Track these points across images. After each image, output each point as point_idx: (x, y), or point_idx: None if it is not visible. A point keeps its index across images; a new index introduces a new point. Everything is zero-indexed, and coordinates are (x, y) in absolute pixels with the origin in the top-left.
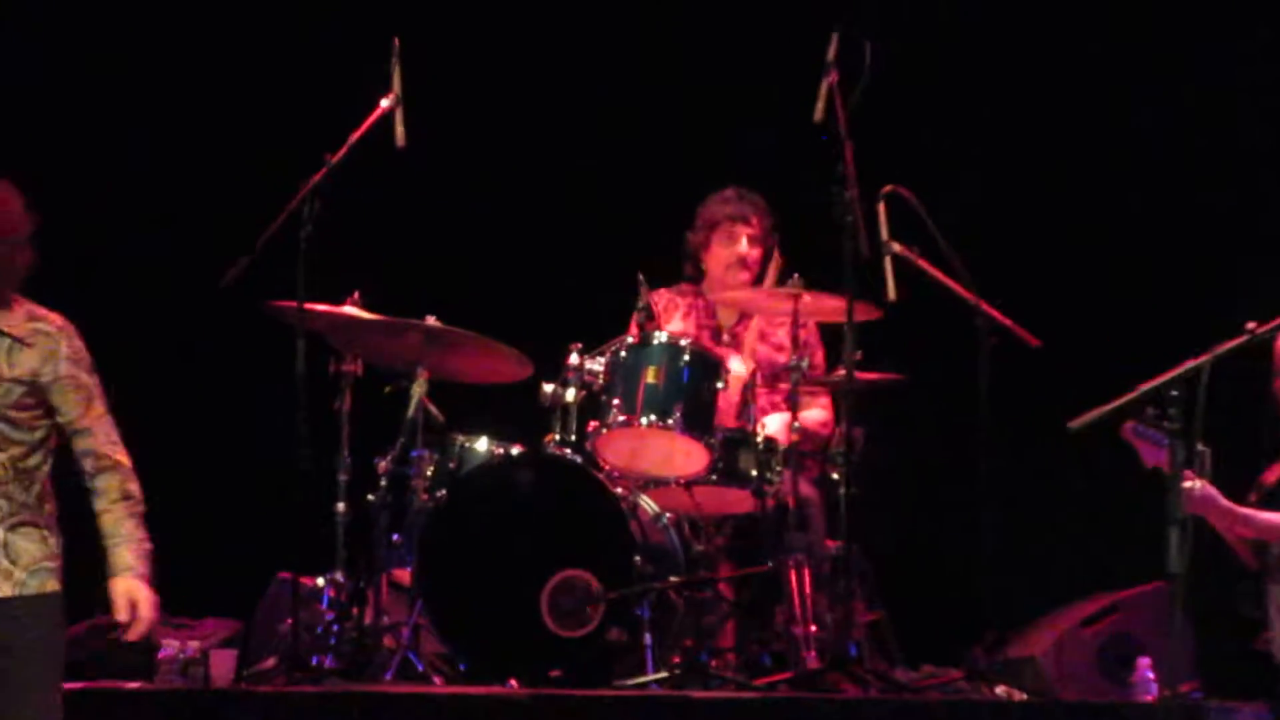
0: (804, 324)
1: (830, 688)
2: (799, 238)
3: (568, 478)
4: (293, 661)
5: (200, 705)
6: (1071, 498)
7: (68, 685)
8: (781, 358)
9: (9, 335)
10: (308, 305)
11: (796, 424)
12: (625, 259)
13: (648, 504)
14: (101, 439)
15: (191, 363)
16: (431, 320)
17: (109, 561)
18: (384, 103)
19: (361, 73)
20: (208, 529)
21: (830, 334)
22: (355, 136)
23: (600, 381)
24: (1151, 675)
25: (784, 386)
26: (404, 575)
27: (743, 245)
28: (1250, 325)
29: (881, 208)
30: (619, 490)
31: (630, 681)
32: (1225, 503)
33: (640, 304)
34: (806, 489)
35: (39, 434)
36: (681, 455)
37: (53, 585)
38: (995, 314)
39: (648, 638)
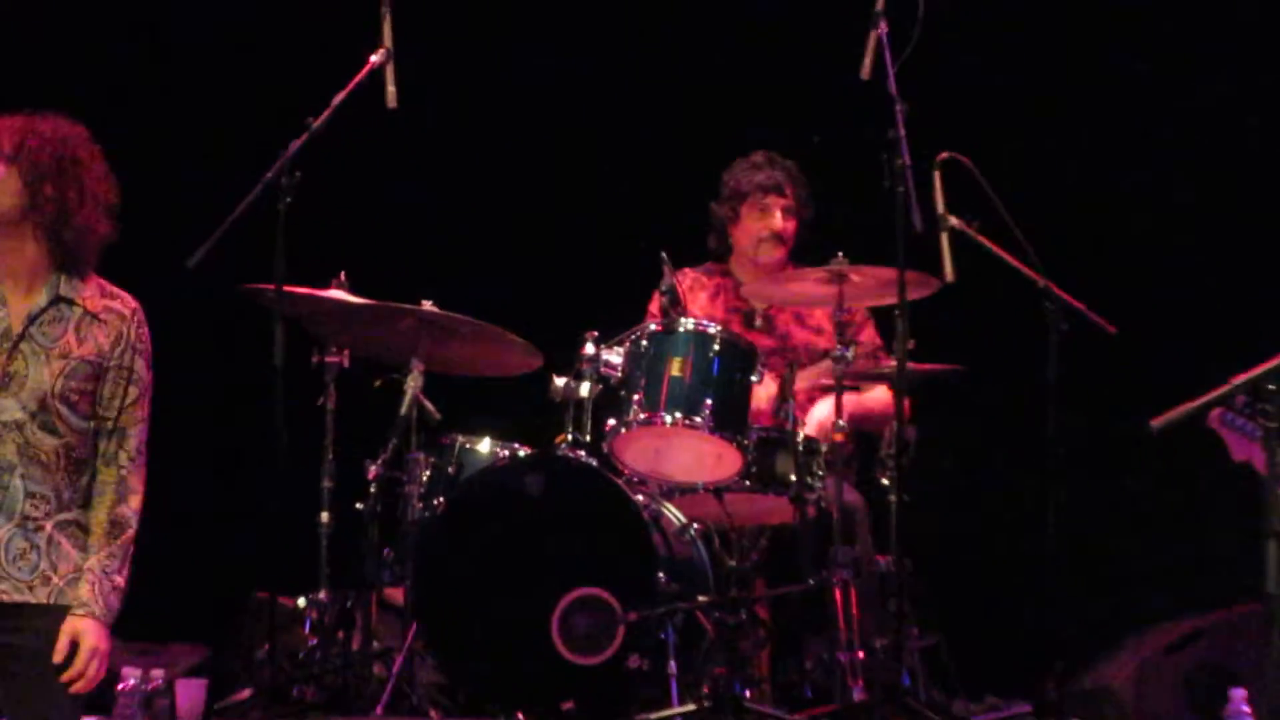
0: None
1: None
2: (841, 211)
3: (582, 483)
4: (270, 693)
5: None
6: (1153, 506)
7: None
8: (822, 342)
9: (82, 306)
10: (287, 288)
11: (841, 422)
12: (646, 236)
13: (672, 513)
14: (129, 447)
15: (155, 352)
16: (427, 305)
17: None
18: (373, 58)
19: (349, 24)
20: (174, 541)
21: (880, 321)
22: (340, 97)
23: (619, 374)
24: (1247, 709)
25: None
26: (396, 594)
27: (776, 218)
28: None
29: (937, 177)
30: (640, 498)
31: (653, 716)
32: None
33: (663, 286)
34: (852, 496)
35: (94, 423)
36: (711, 458)
37: None
38: (1066, 297)
39: (673, 665)
